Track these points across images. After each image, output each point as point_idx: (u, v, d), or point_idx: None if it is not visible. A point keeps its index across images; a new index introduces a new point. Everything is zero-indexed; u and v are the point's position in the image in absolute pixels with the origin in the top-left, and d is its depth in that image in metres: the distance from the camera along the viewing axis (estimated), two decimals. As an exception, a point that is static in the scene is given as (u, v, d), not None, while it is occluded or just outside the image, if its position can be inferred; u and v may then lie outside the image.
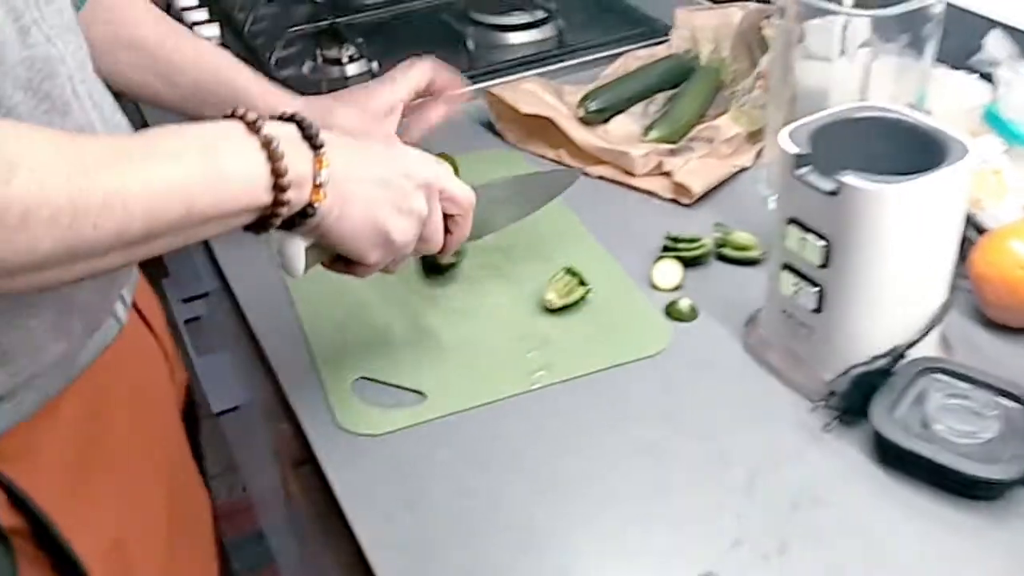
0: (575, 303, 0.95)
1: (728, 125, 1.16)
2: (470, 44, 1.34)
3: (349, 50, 1.40)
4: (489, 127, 1.26)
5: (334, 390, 0.88)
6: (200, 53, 1.01)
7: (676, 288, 0.98)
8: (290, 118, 0.70)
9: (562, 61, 1.39)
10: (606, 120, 1.24)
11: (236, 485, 2.24)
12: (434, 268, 1.00)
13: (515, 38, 1.47)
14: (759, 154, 1.16)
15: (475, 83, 1.33)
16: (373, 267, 0.76)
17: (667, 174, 1.12)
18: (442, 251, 0.81)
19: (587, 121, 1.22)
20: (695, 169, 1.10)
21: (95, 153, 0.59)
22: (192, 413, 0.98)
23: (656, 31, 1.44)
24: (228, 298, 1.05)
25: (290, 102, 1.00)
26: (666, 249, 1.00)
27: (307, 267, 0.74)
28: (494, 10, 1.49)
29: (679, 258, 0.99)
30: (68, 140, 0.59)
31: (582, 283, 0.95)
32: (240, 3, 1.56)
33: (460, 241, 0.83)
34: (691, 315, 0.94)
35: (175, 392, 0.94)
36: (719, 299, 0.97)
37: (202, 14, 1.46)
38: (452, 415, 0.85)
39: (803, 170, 0.79)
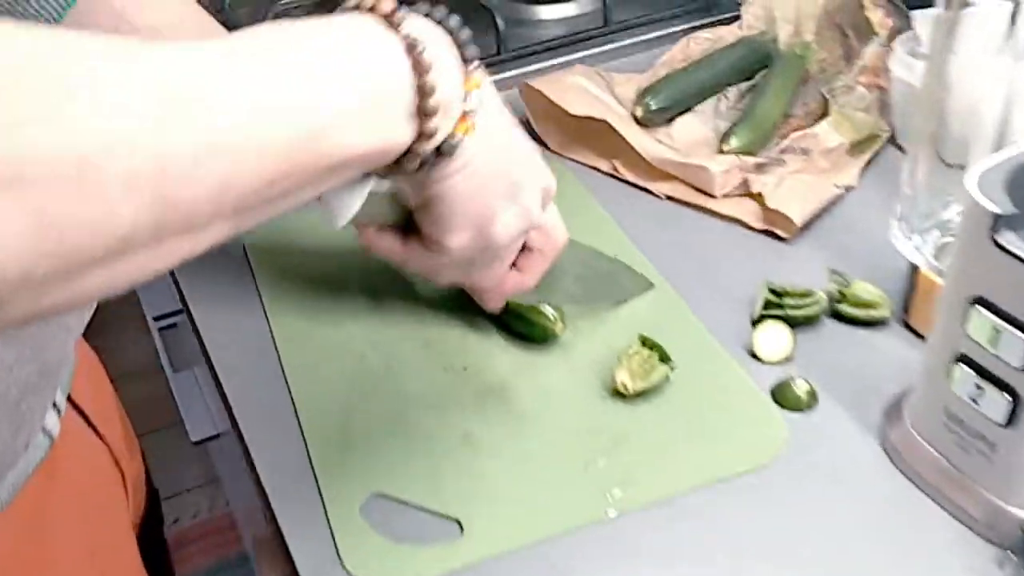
0: (655, 387, 0.72)
1: (828, 133, 0.92)
2: (500, 22, 1.10)
3: (350, 28, 1.15)
4: (524, 126, 1.01)
5: (338, 514, 0.65)
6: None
7: (785, 360, 0.75)
8: (436, 18, 0.53)
9: (609, 42, 1.15)
10: (669, 120, 1.00)
11: (219, 499, 2.02)
12: (526, 336, 0.77)
13: (550, 12, 1.22)
14: (865, 168, 0.93)
15: (506, 70, 1.10)
16: (442, 257, 0.61)
17: (755, 196, 0.89)
18: (495, 293, 0.70)
19: (645, 122, 0.98)
20: (791, 191, 0.87)
21: (179, 65, 0.39)
22: (154, 529, 0.76)
23: (716, 4, 1.20)
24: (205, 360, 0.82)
25: None
26: (768, 305, 0.77)
27: (355, 220, 0.58)
28: (524, -22, 1.24)
29: (785, 318, 0.76)
30: (138, 49, 0.38)
31: (663, 359, 0.72)
32: (219, -34, 1.30)
33: (524, 287, 0.70)
34: (810, 402, 0.71)
35: (129, 504, 0.72)
36: (841, 375, 0.74)
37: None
38: (500, 556, 0.62)
39: (1006, 236, 0.56)
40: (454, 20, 0.53)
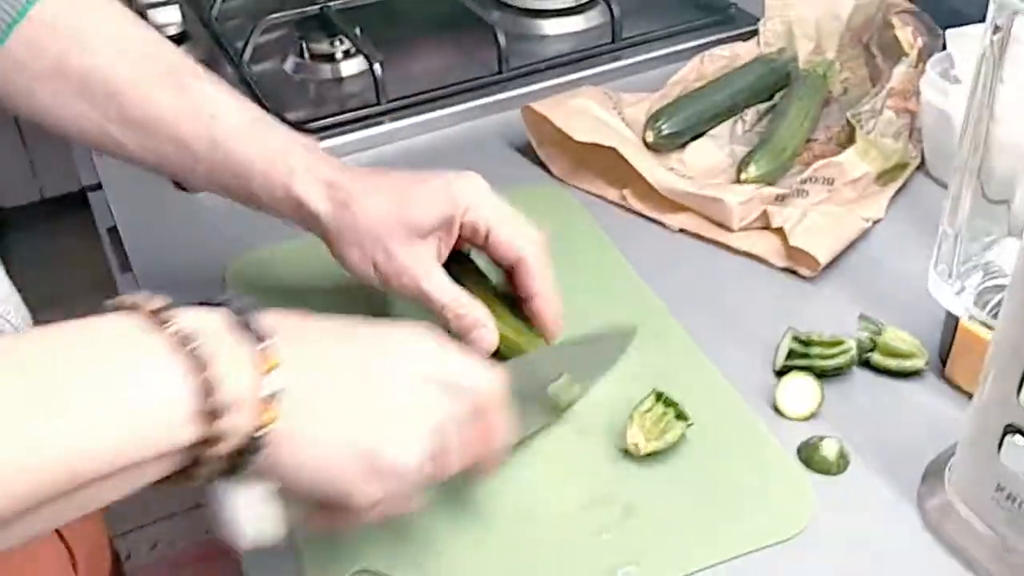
0: (670, 446, 0.65)
1: (854, 162, 0.86)
2: (501, 38, 1.03)
3: (343, 43, 1.09)
4: (527, 152, 0.96)
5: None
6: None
7: (811, 416, 0.68)
8: (220, 302, 0.47)
9: (618, 59, 1.08)
10: (682, 145, 0.94)
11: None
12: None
13: (555, 27, 1.15)
14: (893, 198, 0.86)
15: (507, 90, 1.03)
16: (364, 513, 0.51)
17: (776, 230, 0.82)
18: (479, 474, 0.57)
19: (656, 148, 0.92)
20: (816, 226, 0.80)
21: None
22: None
23: (732, 19, 1.13)
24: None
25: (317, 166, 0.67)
26: (792, 354, 0.71)
27: (272, 532, 0.49)
28: (527, -10, 1.17)
29: (811, 368, 0.70)
30: None
31: (680, 416, 0.66)
32: (207, -23, 1.24)
33: (492, 462, 0.57)
34: (840, 466, 0.65)
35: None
36: (873, 433, 0.67)
37: (158, -8, 1.14)
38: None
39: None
40: (239, 300, 0.47)
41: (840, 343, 0.70)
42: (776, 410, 0.69)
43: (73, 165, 2.20)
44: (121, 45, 0.66)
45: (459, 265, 0.69)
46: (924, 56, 0.91)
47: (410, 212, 0.64)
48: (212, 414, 0.42)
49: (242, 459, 0.44)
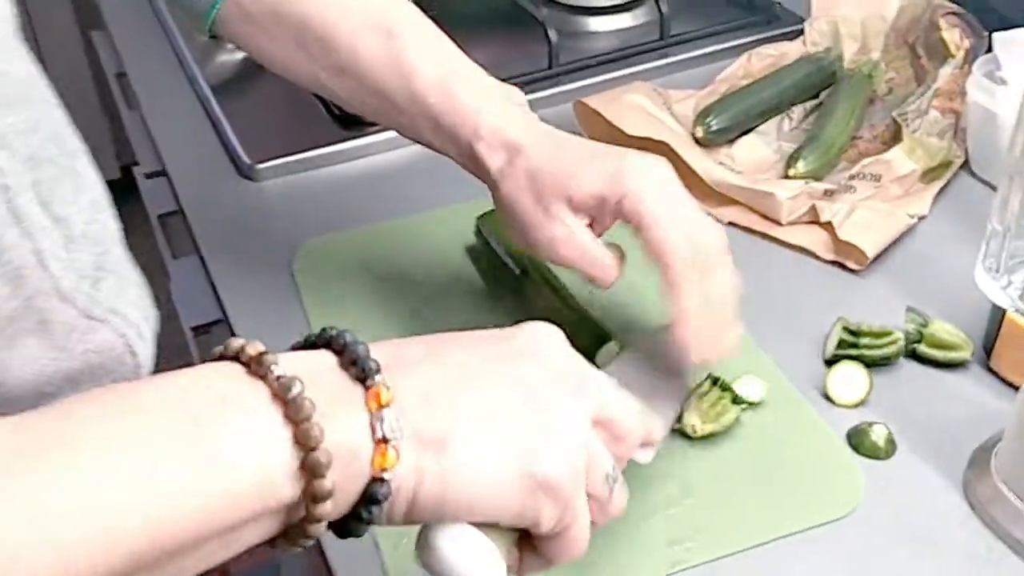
0: (725, 429, 0.68)
1: (901, 160, 0.88)
2: (551, 34, 1.06)
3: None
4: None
5: (393, 558, 0.62)
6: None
7: (861, 403, 0.71)
8: (320, 340, 0.44)
9: (666, 56, 1.11)
10: (730, 141, 0.97)
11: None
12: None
13: (605, 24, 1.18)
14: (937, 195, 0.89)
15: (558, 85, 1.06)
16: (552, 534, 0.47)
17: (824, 224, 0.85)
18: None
19: (705, 143, 0.95)
20: (863, 221, 0.83)
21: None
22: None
23: (777, 18, 1.16)
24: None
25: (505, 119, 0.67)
26: (841, 344, 0.73)
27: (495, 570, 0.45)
28: (576, -12, 1.20)
29: (860, 358, 0.72)
30: None
31: (735, 400, 0.68)
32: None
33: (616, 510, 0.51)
34: (889, 451, 0.68)
35: None
36: (919, 421, 0.70)
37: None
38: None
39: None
40: (342, 337, 0.44)
41: (888, 333, 0.73)
42: (826, 397, 0.71)
43: (108, 153, 2.24)
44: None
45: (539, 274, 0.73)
46: (970, 58, 0.94)
47: (567, 184, 0.64)
48: (316, 466, 0.39)
49: (371, 508, 0.42)
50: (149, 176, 1.16)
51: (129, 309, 0.47)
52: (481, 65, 0.71)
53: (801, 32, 1.08)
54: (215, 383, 0.41)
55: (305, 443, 0.39)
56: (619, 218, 0.64)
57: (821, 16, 1.07)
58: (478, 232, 0.82)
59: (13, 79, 0.44)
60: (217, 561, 0.40)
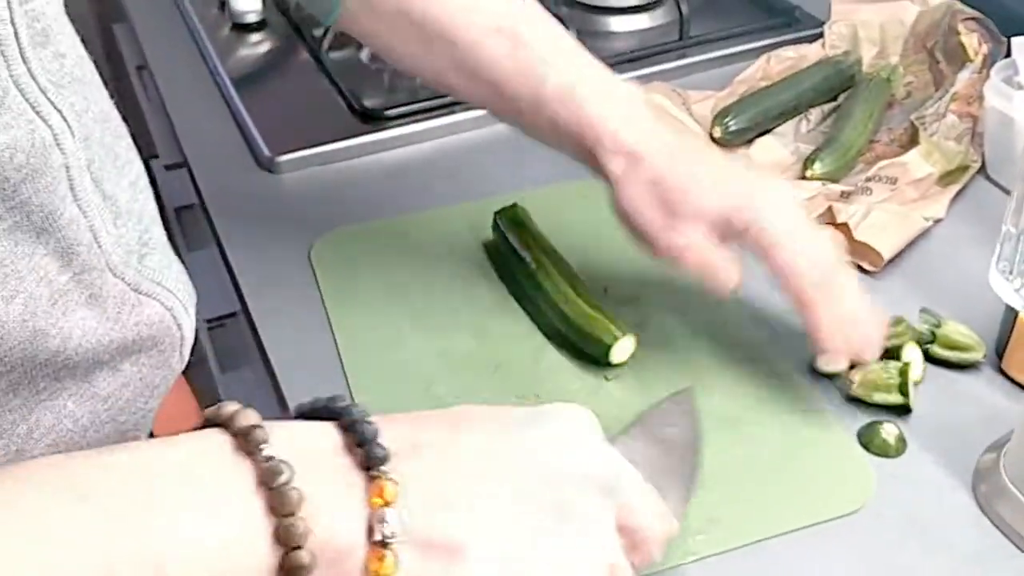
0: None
1: (918, 163, 0.88)
2: (572, 33, 1.07)
3: (420, 34, 1.13)
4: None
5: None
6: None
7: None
8: (328, 411, 0.40)
9: (683, 57, 1.12)
10: (748, 142, 0.97)
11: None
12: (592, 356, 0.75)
13: (624, 24, 1.19)
14: (953, 199, 0.89)
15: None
16: None
17: (840, 226, 0.85)
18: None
19: (723, 143, 0.96)
20: (879, 222, 0.83)
21: None
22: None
23: (796, 21, 1.16)
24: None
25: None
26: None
27: None
28: (597, -13, 1.21)
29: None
30: None
31: (902, 384, 0.70)
32: (287, -34, 1.29)
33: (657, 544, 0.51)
34: (899, 449, 0.68)
35: None
36: (930, 420, 0.71)
37: (241, -20, 1.19)
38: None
39: None
40: (354, 412, 0.40)
41: (900, 322, 0.73)
42: (840, 394, 0.72)
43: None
44: None
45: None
46: (988, 63, 0.94)
47: (689, 198, 0.66)
48: (298, 568, 0.36)
49: None
50: (169, 168, 1.17)
51: (173, 284, 0.48)
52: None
53: (820, 35, 1.09)
54: (194, 464, 0.37)
55: (287, 541, 0.36)
56: (740, 242, 0.66)
57: (840, 20, 1.08)
58: (496, 227, 0.83)
59: (70, 59, 0.45)
60: None
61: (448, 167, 0.93)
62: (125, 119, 0.51)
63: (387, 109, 1.03)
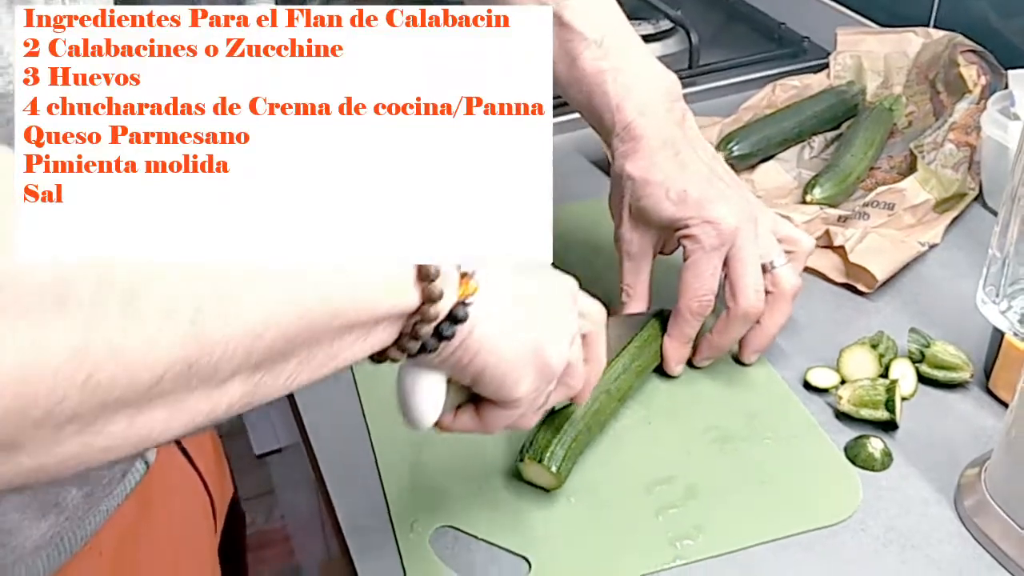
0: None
1: (915, 190, 0.91)
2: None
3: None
4: (604, 166, 1.03)
5: (407, 541, 0.65)
6: None
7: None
8: None
9: (693, 84, 1.15)
10: (752, 167, 1.00)
11: (275, 511, 2.04)
12: None
13: (636, 52, 1.22)
14: (950, 226, 0.92)
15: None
16: (518, 407, 0.54)
17: (837, 249, 0.88)
18: (581, 394, 0.61)
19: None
20: (874, 246, 0.86)
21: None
22: (233, 535, 0.77)
23: (805, 52, 1.20)
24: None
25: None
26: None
27: (442, 414, 0.53)
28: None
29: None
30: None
31: (889, 400, 0.72)
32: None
33: (597, 375, 0.61)
34: (884, 463, 0.71)
35: (216, 531, 0.74)
36: (917, 437, 0.73)
37: None
38: (565, 598, 0.63)
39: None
40: None
41: (883, 338, 0.77)
42: (829, 410, 0.75)
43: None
44: None
45: None
46: (987, 94, 0.97)
47: (646, 204, 0.73)
48: (428, 272, 0.44)
49: (445, 333, 0.46)
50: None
51: None
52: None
53: (826, 66, 1.12)
54: None
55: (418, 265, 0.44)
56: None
57: (846, 51, 1.11)
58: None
59: None
60: (345, 363, 0.43)
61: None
62: None
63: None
